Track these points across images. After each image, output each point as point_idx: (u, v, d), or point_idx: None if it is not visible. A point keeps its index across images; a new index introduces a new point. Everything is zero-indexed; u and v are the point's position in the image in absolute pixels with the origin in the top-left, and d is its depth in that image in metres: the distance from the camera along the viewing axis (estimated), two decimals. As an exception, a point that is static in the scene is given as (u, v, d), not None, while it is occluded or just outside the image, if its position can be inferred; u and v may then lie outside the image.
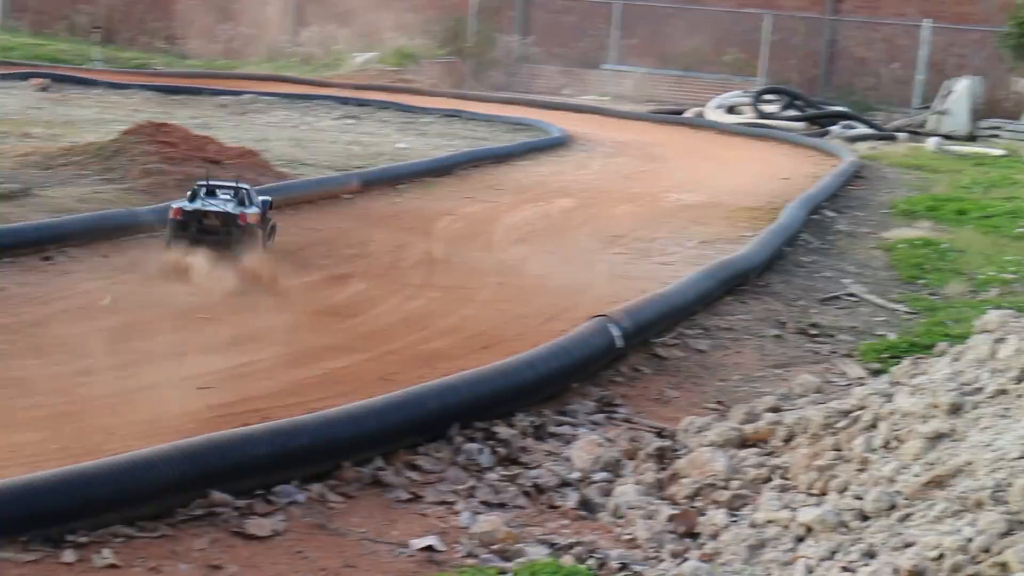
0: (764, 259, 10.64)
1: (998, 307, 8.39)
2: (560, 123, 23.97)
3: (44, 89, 24.40)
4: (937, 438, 4.76)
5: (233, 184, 9.43)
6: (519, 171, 17.27)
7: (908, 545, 4.20)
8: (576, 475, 5.60)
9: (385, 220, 12.29)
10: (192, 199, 9.20)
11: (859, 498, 4.64)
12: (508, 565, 4.53)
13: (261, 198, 9.67)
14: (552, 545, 4.78)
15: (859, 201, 16.27)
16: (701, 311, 8.92)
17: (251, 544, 4.54)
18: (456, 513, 5.06)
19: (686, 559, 4.61)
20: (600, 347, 7.11)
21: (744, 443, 5.85)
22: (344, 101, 26.12)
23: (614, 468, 5.69)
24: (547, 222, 12.97)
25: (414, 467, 5.47)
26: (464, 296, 9.03)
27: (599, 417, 6.53)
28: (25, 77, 25.63)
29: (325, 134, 20.01)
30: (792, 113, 27.34)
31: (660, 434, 6.19)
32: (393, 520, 4.93)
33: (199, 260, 8.71)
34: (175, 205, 9.20)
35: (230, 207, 9.07)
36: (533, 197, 14.72)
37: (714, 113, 27.97)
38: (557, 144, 20.93)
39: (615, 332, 7.26)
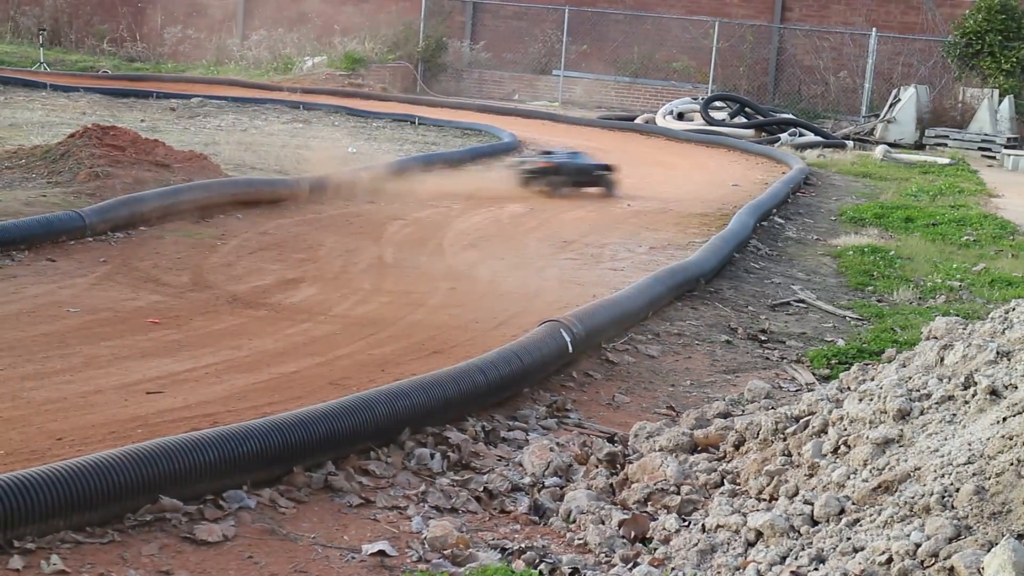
0: (715, 265, 10.69)
1: (945, 314, 8.49)
2: (510, 128, 24.03)
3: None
4: (885, 444, 4.79)
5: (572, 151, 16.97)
6: (469, 176, 17.26)
7: (857, 550, 4.22)
8: (527, 480, 5.60)
9: (335, 224, 12.26)
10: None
11: (809, 503, 4.66)
12: (459, 570, 4.53)
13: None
14: (503, 550, 4.77)
15: (808, 208, 16.40)
16: (652, 317, 8.96)
17: (201, 550, 4.51)
18: (407, 518, 5.05)
19: (637, 564, 4.62)
20: (553, 351, 7.11)
21: (695, 448, 5.87)
22: (294, 105, 26.08)
23: (565, 473, 5.70)
24: (498, 227, 12.99)
25: (365, 472, 5.46)
26: (414, 301, 9.03)
27: (550, 422, 6.54)
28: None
29: (275, 138, 19.94)
30: (741, 120, 27.52)
31: (611, 439, 6.20)
32: (344, 525, 4.91)
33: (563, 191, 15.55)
34: (541, 160, 16.48)
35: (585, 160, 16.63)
36: (484, 202, 14.73)
37: (664, 120, 28.09)
38: (508, 149, 20.95)
39: (567, 337, 7.27)
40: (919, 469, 4.46)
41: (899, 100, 28.04)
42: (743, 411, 6.59)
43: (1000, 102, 28.13)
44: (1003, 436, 4.29)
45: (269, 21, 37.86)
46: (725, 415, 6.34)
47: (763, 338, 8.86)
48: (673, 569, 4.58)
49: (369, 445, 5.59)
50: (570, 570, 4.59)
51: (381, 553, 4.64)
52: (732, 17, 34.64)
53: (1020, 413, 4.43)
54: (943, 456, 4.44)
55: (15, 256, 9.23)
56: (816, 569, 4.20)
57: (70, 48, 37.99)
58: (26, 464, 4.95)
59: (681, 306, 9.52)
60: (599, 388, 7.35)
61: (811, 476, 4.96)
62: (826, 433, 5.17)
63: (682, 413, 6.67)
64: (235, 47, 37.29)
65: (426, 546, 4.74)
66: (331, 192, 13.77)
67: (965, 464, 4.31)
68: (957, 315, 7.89)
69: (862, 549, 4.19)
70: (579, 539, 4.95)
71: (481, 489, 5.43)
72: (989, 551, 3.87)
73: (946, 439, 4.60)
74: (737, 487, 5.24)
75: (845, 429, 5.09)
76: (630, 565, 4.63)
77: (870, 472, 4.66)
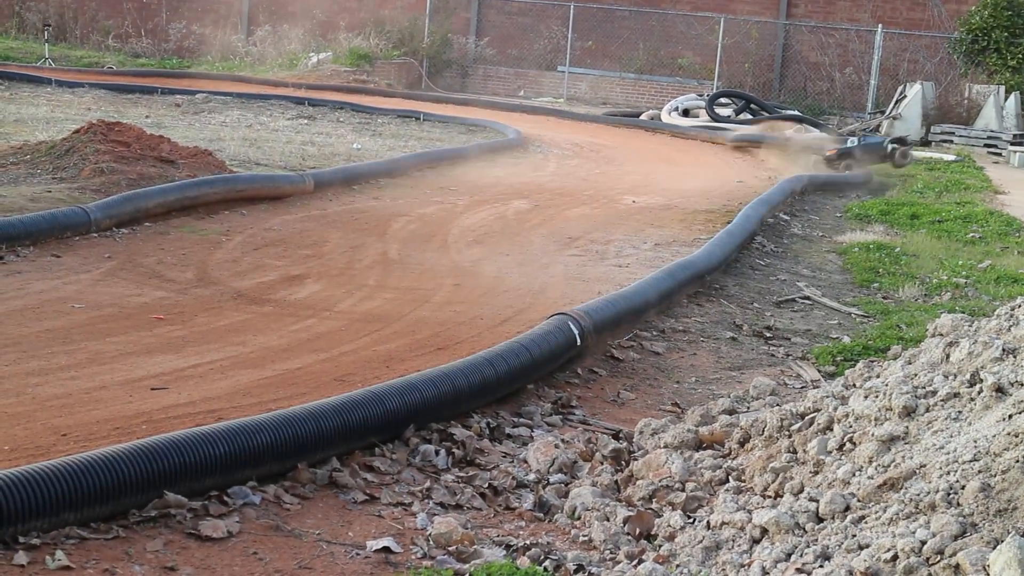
0: (721, 260, 10.68)
1: (951, 311, 8.49)
2: (515, 125, 24.02)
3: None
4: (891, 441, 4.78)
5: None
6: (474, 172, 17.27)
7: (863, 547, 4.21)
8: (532, 477, 5.60)
9: (340, 220, 12.26)
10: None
11: (814, 500, 4.65)
12: (464, 567, 4.52)
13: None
14: (508, 547, 4.77)
15: (813, 205, 16.38)
16: (658, 313, 8.95)
17: (205, 546, 4.51)
18: (412, 515, 5.05)
19: (642, 561, 4.61)
20: (561, 344, 7.10)
21: (700, 445, 5.86)
22: (299, 101, 26.08)
23: (570, 470, 5.70)
24: (502, 224, 12.98)
25: (370, 468, 5.46)
26: (419, 297, 9.02)
27: (555, 419, 6.54)
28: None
29: (279, 134, 19.94)
30: (747, 117, 27.50)
31: (616, 436, 6.19)
32: (349, 522, 4.91)
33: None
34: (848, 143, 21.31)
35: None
36: (489, 198, 14.73)
37: (669, 116, 28.07)
38: (512, 145, 20.95)
39: (575, 329, 7.27)
40: (924, 466, 4.45)
41: (905, 97, 28.00)
42: (748, 408, 6.59)
43: (1006, 99, 28.09)
44: (1009, 433, 4.28)
45: (274, 17, 37.87)
46: (730, 412, 6.34)
47: (768, 335, 8.85)
48: (678, 566, 4.58)
49: (374, 441, 5.59)
50: (575, 567, 4.58)
51: (386, 549, 4.64)
52: (738, 13, 34.61)
53: (1026, 410, 4.41)
54: (949, 453, 4.43)
55: (20, 252, 9.23)
56: (821, 566, 4.19)
57: (75, 44, 38.00)
58: (31, 460, 4.96)
59: (686, 302, 9.51)
60: (604, 385, 7.34)
61: (816, 473, 4.95)
62: (831, 430, 5.17)
63: (687, 410, 6.67)
64: (240, 43, 37.28)
65: (431, 543, 4.74)
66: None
67: (971, 461, 4.30)
68: (963, 312, 7.89)
69: (867, 546, 4.18)
70: (584, 536, 4.95)
71: (486, 486, 5.43)
72: (995, 548, 3.86)
73: (952, 436, 4.60)
74: (742, 484, 5.23)
75: (850, 426, 5.08)
76: (635, 562, 4.62)
77: (875, 469, 4.66)
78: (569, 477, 5.63)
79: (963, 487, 4.21)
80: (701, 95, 29.67)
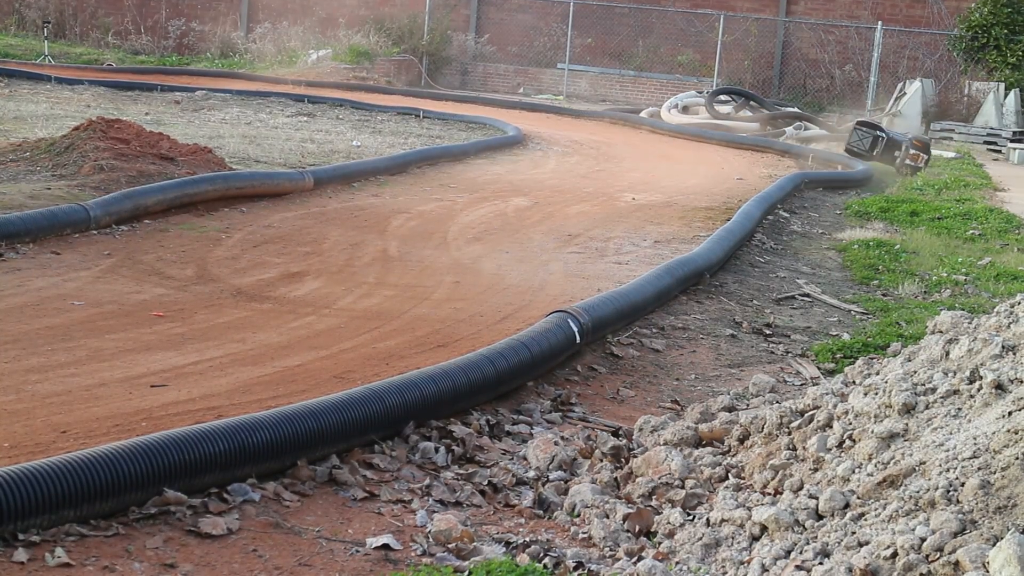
0: (721, 258, 10.69)
1: (950, 308, 8.49)
2: (515, 122, 24.02)
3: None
4: (890, 438, 4.78)
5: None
6: (474, 169, 17.27)
7: (862, 544, 4.22)
8: (532, 474, 5.60)
9: (340, 218, 12.25)
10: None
11: (813, 497, 4.66)
12: (464, 564, 4.52)
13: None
14: (508, 544, 4.77)
15: (813, 202, 16.38)
16: (657, 310, 8.95)
17: (205, 543, 4.51)
18: (412, 512, 5.05)
19: (642, 558, 4.61)
20: (561, 341, 7.11)
21: (699, 442, 5.87)
22: (298, 98, 26.08)
23: (570, 467, 5.70)
24: (502, 221, 12.98)
25: (369, 465, 5.46)
26: (419, 295, 9.02)
27: (555, 416, 6.54)
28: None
29: (279, 131, 19.94)
30: (746, 114, 27.49)
31: (616, 433, 6.20)
32: (348, 519, 4.91)
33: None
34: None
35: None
36: (488, 196, 14.73)
37: (669, 114, 28.07)
38: (512, 143, 20.95)
39: (574, 327, 7.28)
40: (924, 463, 4.45)
41: (904, 94, 28.00)
42: (748, 405, 6.59)
43: (1006, 96, 28.09)
44: (1008, 430, 4.28)
45: (274, 14, 37.86)
46: (730, 409, 6.34)
47: (768, 332, 8.85)
48: (677, 563, 4.58)
49: (374, 438, 5.59)
50: (574, 564, 4.58)
51: (385, 547, 4.64)
52: (737, 11, 34.60)
53: (1026, 407, 4.42)
54: (948, 450, 4.44)
55: (20, 249, 9.23)
56: (821, 563, 4.19)
57: (75, 41, 37.98)
58: (31, 457, 4.96)
59: (685, 300, 9.52)
60: (603, 382, 7.34)
61: (816, 470, 4.95)
62: (831, 427, 5.17)
63: (687, 407, 6.67)
64: (240, 40, 37.27)
65: (430, 540, 4.74)
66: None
67: (970, 458, 4.30)
68: (962, 309, 7.89)
69: (867, 543, 4.18)
70: (583, 533, 4.95)
71: (485, 483, 5.43)
72: (994, 545, 3.86)
73: (951, 433, 4.60)
74: (742, 481, 5.24)
75: (850, 423, 5.08)
76: (634, 559, 4.62)
77: (875, 466, 4.66)
78: (569, 474, 5.63)
79: (963, 484, 4.21)
80: (701, 92, 29.66)
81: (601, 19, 36.08)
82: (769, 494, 4.99)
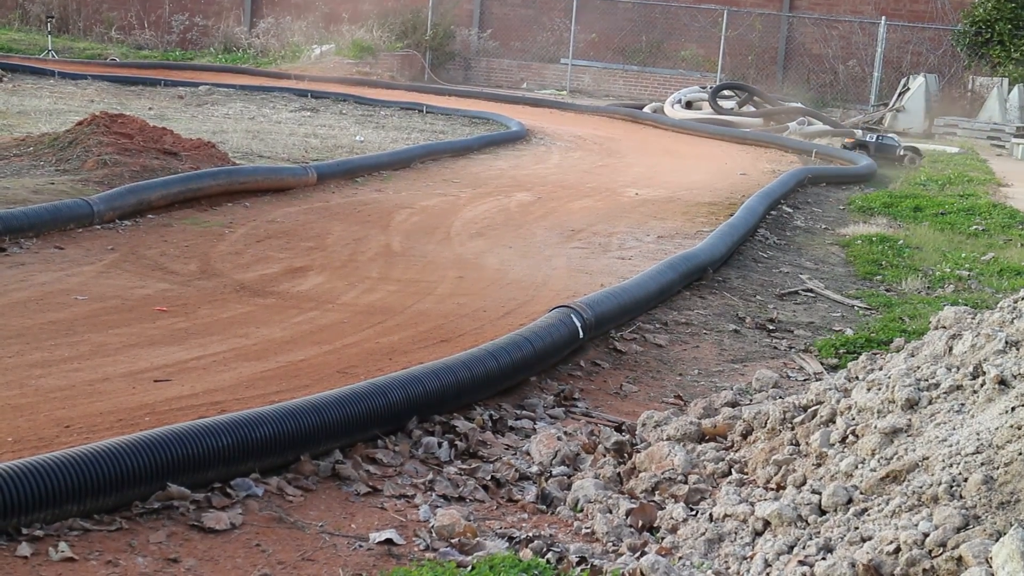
0: (724, 253, 10.68)
1: (954, 304, 8.48)
2: (518, 117, 24.03)
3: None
4: (893, 433, 4.78)
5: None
6: (477, 165, 17.27)
7: (865, 539, 4.21)
8: (535, 469, 5.60)
9: (343, 213, 12.25)
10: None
11: (816, 493, 4.65)
12: (467, 559, 4.52)
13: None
14: (511, 539, 4.77)
15: (816, 197, 16.37)
16: (660, 305, 8.95)
17: (208, 537, 4.51)
18: (415, 507, 5.05)
19: (645, 553, 4.61)
20: (564, 337, 7.11)
21: (702, 437, 5.86)
22: (302, 93, 26.09)
23: (573, 462, 5.70)
24: (505, 216, 12.98)
25: (372, 460, 5.46)
26: (422, 289, 9.02)
27: (558, 411, 6.54)
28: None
29: (282, 126, 19.94)
30: (750, 109, 27.47)
31: (619, 428, 6.19)
32: (352, 514, 4.91)
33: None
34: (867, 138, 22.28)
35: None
36: (491, 191, 14.73)
37: (672, 109, 28.05)
38: (515, 138, 20.95)
39: (578, 322, 7.28)
40: (927, 459, 4.45)
41: (908, 89, 27.99)
42: (751, 400, 6.59)
43: (1009, 91, 28.06)
44: (1012, 426, 4.28)
45: (277, 9, 37.87)
46: (733, 404, 6.33)
47: (771, 327, 8.85)
48: (680, 558, 4.58)
49: (377, 433, 5.60)
50: (577, 559, 4.58)
51: (388, 542, 4.64)
52: (741, 6, 34.59)
53: (1029, 403, 4.41)
54: (951, 446, 4.43)
55: (23, 244, 9.23)
56: (824, 559, 4.19)
57: (78, 36, 38.01)
58: (34, 452, 4.97)
59: (689, 295, 9.51)
60: (607, 377, 7.34)
61: (819, 466, 4.95)
62: (834, 423, 5.17)
63: (690, 402, 6.66)
64: (243, 35, 37.29)
65: (433, 535, 4.74)
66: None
67: (973, 454, 4.30)
68: (966, 305, 7.89)
69: (870, 539, 4.18)
70: (586, 528, 4.95)
71: (488, 478, 5.43)
72: (997, 541, 3.86)
73: (954, 429, 4.59)
74: (745, 476, 5.23)
75: (853, 419, 5.08)
76: (637, 554, 4.62)
77: (878, 462, 4.66)
78: (572, 469, 5.63)
79: (966, 479, 4.21)
80: (704, 87, 29.63)
81: (605, 14, 36.08)
82: (772, 489, 4.99)
